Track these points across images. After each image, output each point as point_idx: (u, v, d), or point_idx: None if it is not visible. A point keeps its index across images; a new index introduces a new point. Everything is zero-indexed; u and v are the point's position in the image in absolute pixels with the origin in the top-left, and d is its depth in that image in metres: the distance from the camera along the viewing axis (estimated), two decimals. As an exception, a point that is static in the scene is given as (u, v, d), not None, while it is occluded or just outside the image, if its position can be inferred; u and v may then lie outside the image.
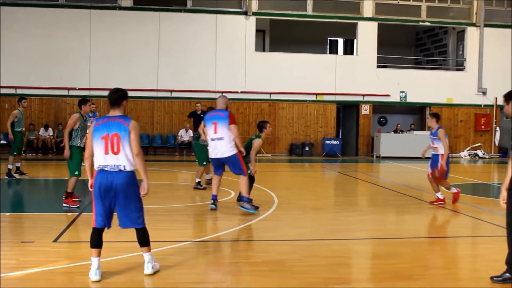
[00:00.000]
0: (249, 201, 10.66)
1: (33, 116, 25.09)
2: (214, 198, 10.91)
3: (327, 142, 26.62)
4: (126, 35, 25.66)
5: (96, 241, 6.31)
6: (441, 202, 11.81)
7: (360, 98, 27.05)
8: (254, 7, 26.53)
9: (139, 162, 6.24)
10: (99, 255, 6.27)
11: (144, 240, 6.43)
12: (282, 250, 7.98)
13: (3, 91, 24.80)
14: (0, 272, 6.35)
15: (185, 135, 24.89)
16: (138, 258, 6.75)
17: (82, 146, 10.62)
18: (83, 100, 11.17)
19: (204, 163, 13.51)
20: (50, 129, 24.70)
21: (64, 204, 10.71)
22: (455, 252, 8.59)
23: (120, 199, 6.26)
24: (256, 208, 10.63)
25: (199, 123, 16.25)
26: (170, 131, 25.89)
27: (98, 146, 6.26)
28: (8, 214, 10.29)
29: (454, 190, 12.03)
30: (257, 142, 11.47)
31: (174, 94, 25.71)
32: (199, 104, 18.44)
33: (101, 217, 6.32)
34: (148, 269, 6.41)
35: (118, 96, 6.40)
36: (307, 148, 26.47)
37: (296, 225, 9.83)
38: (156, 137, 25.74)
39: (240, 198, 11.00)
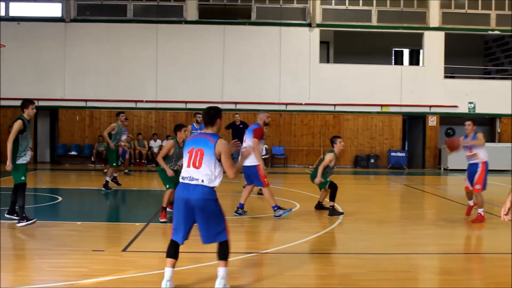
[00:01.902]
0: (279, 207, 11.19)
1: (102, 128, 25.76)
2: (240, 207, 11.55)
3: (392, 154, 26.25)
4: (192, 48, 26.09)
5: (171, 252, 6.31)
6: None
7: (426, 110, 26.57)
8: (318, 19, 26.52)
9: (235, 176, 6.29)
10: (172, 266, 6.27)
11: (223, 254, 6.34)
12: (348, 264, 7.90)
13: (74, 104, 25.62)
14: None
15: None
16: (206, 269, 6.79)
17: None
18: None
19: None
20: (118, 140, 25.33)
21: (160, 219, 10.76)
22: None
23: (199, 214, 6.22)
24: (290, 209, 11.45)
25: (238, 134, 16.50)
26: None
27: (184, 159, 6.36)
28: (79, 223, 10.58)
29: (481, 211, 11.36)
30: (328, 157, 11.85)
31: (239, 106, 25.90)
32: (237, 115, 18.50)
33: (176, 230, 6.32)
34: (219, 285, 6.26)
35: (211, 116, 6.42)
36: (372, 160, 26.17)
37: (362, 238, 9.72)
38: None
39: (317, 206, 12.18)
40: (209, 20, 26.35)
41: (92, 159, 25.28)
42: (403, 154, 26.45)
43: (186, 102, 25.00)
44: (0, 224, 10.09)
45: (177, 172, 10.34)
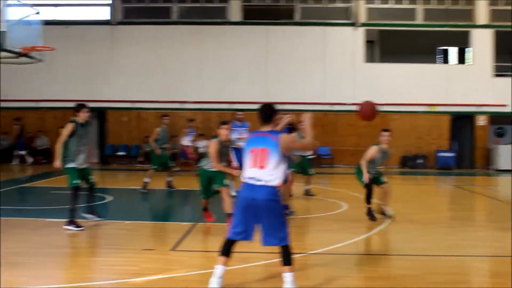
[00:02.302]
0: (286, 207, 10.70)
1: (149, 129, 26.03)
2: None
3: (440, 154, 25.78)
4: (235, 49, 26.16)
5: (225, 250, 6.27)
6: None
7: (475, 109, 26.03)
8: (363, 18, 26.27)
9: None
10: (224, 264, 6.23)
11: (288, 258, 6.19)
12: (399, 265, 7.79)
13: (122, 105, 25.98)
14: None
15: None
16: (253, 269, 6.78)
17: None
18: None
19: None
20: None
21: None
22: None
23: (263, 215, 6.10)
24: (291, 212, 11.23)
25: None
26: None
27: (247, 159, 6.25)
28: (128, 222, 10.71)
29: None
30: (369, 151, 11.89)
31: (285, 106, 25.78)
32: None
33: (236, 229, 6.22)
34: None
35: (267, 113, 6.40)
36: (419, 161, 25.77)
37: (411, 240, 9.57)
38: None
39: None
40: (252, 21, 26.38)
41: (140, 159, 25.58)
42: (452, 154, 25.94)
43: (231, 103, 25.05)
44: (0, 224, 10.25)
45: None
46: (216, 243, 8.60)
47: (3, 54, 13.63)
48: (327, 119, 25.92)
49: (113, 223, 10.78)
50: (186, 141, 20.41)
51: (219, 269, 6.21)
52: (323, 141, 25.61)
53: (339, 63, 26.12)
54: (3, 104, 26.02)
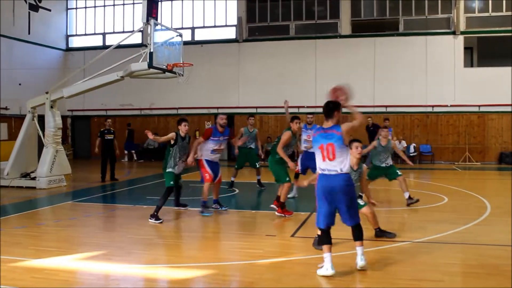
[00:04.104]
0: (205, 206, 10.38)
1: (270, 131, 26.40)
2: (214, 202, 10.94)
3: (538, 150, 24.10)
4: (346, 59, 25.88)
5: (325, 239, 6.30)
6: None
7: None
8: (462, 26, 25.10)
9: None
10: (329, 251, 6.25)
11: (361, 235, 6.41)
12: (496, 255, 7.38)
13: (247, 110, 26.49)
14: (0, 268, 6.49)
15: (399, 145, 24.24)
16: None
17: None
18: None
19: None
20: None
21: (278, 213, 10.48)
22: None
23: (341, 199, 6.20)
24: (211, 212, 10.44)
25: (370, 136, 16.04)
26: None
27: (318, 154, 6.35)
28: (253, 211, 10.93)
29: None
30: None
31: (389, 109, 25.25)
32: (370, 119, 18.17)
33: (324, 217, 6.28)
34: (362, 261, 6.32)
35: (329, 109, 6.41)
36: (516, 157, 24.25)
37: (509, 231, 9.03)
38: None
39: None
40: (360, 33, 26.00)
41: (262, 157, 25.84)
42: (548, 151, 24.16)
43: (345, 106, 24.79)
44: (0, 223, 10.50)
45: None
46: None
47: (152, 70, 14.29)
48: (429, 120, 25.05)
49: (240, 212, 11.05)
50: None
51: (327, 257, 6.20)
52: (425, 139, 24.80)
53: (440, 68, 25.12)
54: (151, 112, 27.49)
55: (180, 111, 26.73)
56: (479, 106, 24.68)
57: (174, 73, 14.85)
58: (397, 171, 11.64)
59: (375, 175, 11.64)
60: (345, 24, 26.23)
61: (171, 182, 10.07)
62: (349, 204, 6.24)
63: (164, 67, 14.37)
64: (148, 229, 9.14)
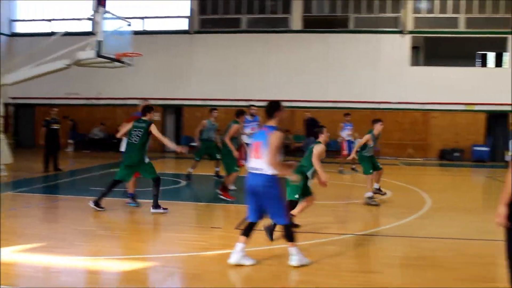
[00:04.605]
0: (133, 198, 10.32)
1: (219, 123, 26.29)
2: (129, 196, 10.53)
3: (476, 148, 25.01)
4: (297, 54, 26.11)
5: (245, 231, 6.38)
6: None
7: (509, 108, 25.05)
8: (410, 26, 25.73)
9: (277, 170, 6.01)
10: (243, 242, 6.30)
11: (287, 236, 6.29)
12: (435, 247, 7.65)
13: (196, 102, 26.37)
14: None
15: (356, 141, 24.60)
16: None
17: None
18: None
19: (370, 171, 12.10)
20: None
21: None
22: None
23: (264, 199, 6.14)
24: (137, 204, 10.28)
25: (308, 130, 16.47)
26: (333, 136, 25.77)
27: (250, 151, 6.35)
28: (199, 204, 10.91)
29: None
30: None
31: (338, 105, 25.65)
32: (308, 113, 18.72)
33: (250, 212, 6.34)
34: (292, 261, 6.27)
35: (269, 108, 6.26)
36: (456, 154, 25.09)
37: (447, 225, 9.37)
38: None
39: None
40: (311, 29, 26.26)
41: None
42: (486, 149, 25.13)
43: (291, 101, 25.01)
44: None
45: None
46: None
47: (100, 59, 14.02)
48: (375, 116, 25.51)
49: (186, 204, 11.01)
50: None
51: (238, 246, 6.30)
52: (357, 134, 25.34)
53: (387, 66, 25.70)
54: (98, 102, 26.97)
55: (128, 102, 26.32)
56: (423, 104, 25.39)
57: (123, 62, 14.61)
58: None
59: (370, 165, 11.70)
60: (296, 19, 26.43)
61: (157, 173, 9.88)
62: (272, 205, 6.15)
63: (112, 56, 14.11)
64: (92, 221, 9.00)
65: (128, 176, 9.88)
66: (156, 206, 9.64)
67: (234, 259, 6.28)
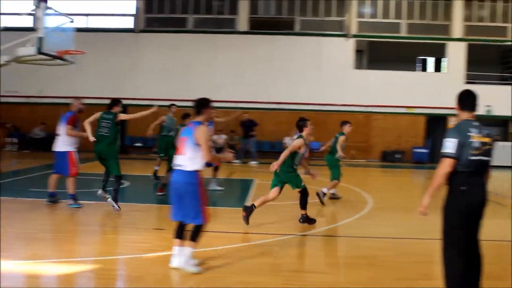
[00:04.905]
0: (74, 198, 10.16)
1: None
2: (50, 195, 10.26)
3: (416, 150, 25.79)
4: (243, 55, 26.16)
5: (176, 233, 6.25)
6: None
7: (447, 111, 25.96)
8: (354, 30, 26.25)
9: (214, 162, 6.11)
10: (180, 245, 6.21)
11: (192, 235, 6.13)
12: (376, 247, 7.82)
13: (142, 102, 25.98)
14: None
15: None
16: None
17: None
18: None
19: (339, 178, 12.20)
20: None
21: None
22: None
23: (183, 196, 6.05)
24: (80, 205, 10.07)
25: (246, 130, 16.43)
26: (277, 138, 26.01)
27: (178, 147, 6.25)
28: (143, 205, 10.76)
29: None
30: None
31: (282, 106, 25.87)
32: (246, 114, 19.24)
33: (173, 210, 6.21)
34: (176, 262, 6.14)
35: (198, 105, 6.23)
36: (397, 156, 25.79)
37: (388, 224, 9.61)
38: (265, 143, 25.96)
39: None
40: (258, 31, 26.36)
41: (155, 150, 25.59)
42: (426, 151, 25.95)
43: (237, 102, 25.03)
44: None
45: None
46: (219, 225, 8.69)
47: (41, 56, 13.60)
48: (319, 117, 25.88)
49: (130, 205, 10.83)
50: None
51: (175, 250, 6.22)
52: (315, 136, 25.60)
53: (331, 69, 26.10)
54: (40, 100, 26.20)
55: (72, 101, 25.64)
56: (365, 106, 25.94)
57: (65, 60, 14.24)
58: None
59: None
60: (243, 20, 26.48)
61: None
62: (189, 202, 6.05)
63: (54, 53, 13.72)
64: (31, 223, 8.71)
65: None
66: (115, 199, 9.80)
67: (175, 263, 6.21)
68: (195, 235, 6.13)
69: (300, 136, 9.25)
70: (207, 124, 6.25)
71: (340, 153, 11.85)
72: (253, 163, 21.68)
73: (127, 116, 10.08)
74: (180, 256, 6.17)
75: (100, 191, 10.26)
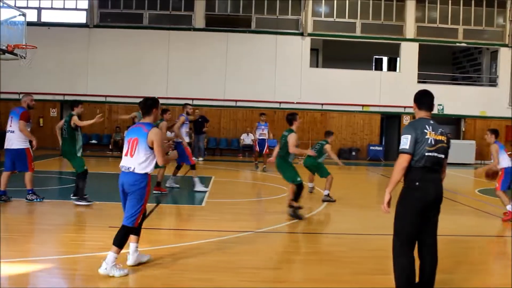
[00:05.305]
0: (33, 193, 10.16)
1: (119, 120, 25.70)
2: (1, 194, 10.06)
3: (371, 148, 26.27)
4: (199, 52, 26.03)
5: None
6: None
7: (402, 110, 26.54)
8: (310, 28, 26.47)
9: (166, 163, 6.21)
10: (135, 241, 6.18)
11: (117, 240, 5.89)
12: (331, 242, 7.91)
13: (95, 98, 25.55)
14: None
15: (247, 138, 24.91)
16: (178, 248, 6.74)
17: None
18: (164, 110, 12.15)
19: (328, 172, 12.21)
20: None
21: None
22: (488, 250, 8.32)
23: (127, 197, 5.96)
24: (42, 198, 10.19)
25: (197, 126, 16.56)
26: (234, 135, 26.04)
27: (124, 148, 6.07)
28: (98, 202, 10.56)
29: (509, 208, 10.20)
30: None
31: (239, 104, 25.88)
32: (197, 110, 19.68)
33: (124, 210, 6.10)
34: (101, 268, 5.80)
35: (147, 106, 6.06)
36: (353, 153, 26.18)
37: (344, 221, 9.73)
38: (222, 140, 25.96)
39: None
40: (214, 28, 26.27)
41: (110, 147, 25.27)
42: (381, 148, 26.47)
43: (192, 99, 24.89)
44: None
45: None
46: (176, 222, 8.61)
47: (-11, 50, 13.21)
48: (276, 115, 26.04)
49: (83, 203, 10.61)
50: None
51: (132, 247, 6.18)
52: (272, 134, 25.72)
53: (287, 67, 26.28)
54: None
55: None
56: (322, 104, 26.22)
57: (16, 55, 13.85)
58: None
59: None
60: (199, 17, 26.34)
61: (85, 167, 10.42)
62: (130, 202, 5.93)
63: (4, 47, 13.32)
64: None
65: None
66: (82, 198, 10.08)
67: (131, 260, 6.14)
68: (124, 240, 5.94)
69: (291, 130, 9.72)
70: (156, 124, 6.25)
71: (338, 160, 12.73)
72: (200, 159, 21.51)
73: (77, 122, 10.34)
74: (134, 253, 6.15)
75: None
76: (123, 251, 6.09)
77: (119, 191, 6.08)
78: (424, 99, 5.41)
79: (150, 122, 6.05)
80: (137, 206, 5.94)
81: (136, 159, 5.89)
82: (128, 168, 5.92)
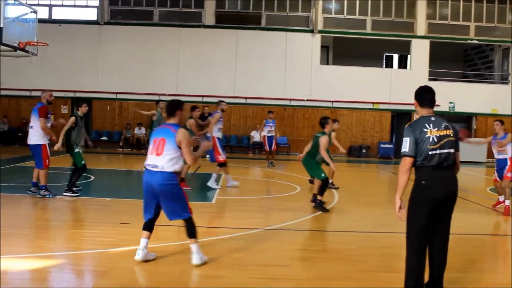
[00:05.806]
0: (46, 188, 10.40)
1: (130, 117, 25.84)
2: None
3: (382, 145, 26.22)
4: (209, 49, 26.10)
5: (145, 226, 6.38)
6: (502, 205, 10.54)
7: (412, 108, 26.33)
8: (320, 26, 26.44)
9: (195, 162, 6.28)
10: (146, 237, 6.31)
11: (188, 232, 6.21)
12: (340, 240, 7.95)
13: (106, 95, 25.70)
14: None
15: (257, 135, 24.91)
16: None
17: None
18: (193, 107, 12.70)
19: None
20: (143, 128, 25.26)
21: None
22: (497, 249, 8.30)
23: (161, 198, 6.10)
24: (54, 194, 10.39)
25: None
26: (244, 132, 26.09)
27: (150, 147, 6.23)
28: (108, 199, 10.65)
29: (507, 202, 10.51)
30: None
31: (249, 101, 25.92)
32: (206, 108, 19.57)
33: (144, 209, 6.31)
34: (195, 260, 6.17)
35: (172, 108, 6.30)
36: (364, 151, 26.15)
37: (353, 219, 9.75)
38: (232, 137, 26.01)
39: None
40: (224, 25, 26.31)
41: (121, 144, 25.40)
42: (391, 146, 26.40)
43: (202, 96, 24.98)
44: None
45: None
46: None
47: (1, 47, 13.28)
48: (286, 112, 26.08)
49: (95, 199, 10.72)
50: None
51: (142, 242, 6.29)
52: (282, 131, 25.76)
53: (298, 64, 26.28)
54: (1, 93, 25.55)
55: (34, 93, 25.17)
56: (332, 101, 26.19)
57: (27, 52, 13.94)
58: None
59: None
60: (209, 14, 26.40)
61: (83, 162, 10.83)
62: (171, 202, 6.10)
63: (15, 44, 13.42)
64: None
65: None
66: (69, 189, 10.54)
67: (140, 256, 6.24)
68: (192, 231, 6.21)
69: (324, 133, 10.54)
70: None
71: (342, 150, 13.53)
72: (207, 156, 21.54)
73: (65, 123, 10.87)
74: (144, 249, 6.26)
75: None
76: (133, 247, 6.16)
77: (143, 190, 6.19)
78: (425, 95, 5.38)
79: (176, 123, 6.22)
80: (181, 197, 6.13)
81: (164, 158, 6.03)
82: (156, 167, 6.06)
